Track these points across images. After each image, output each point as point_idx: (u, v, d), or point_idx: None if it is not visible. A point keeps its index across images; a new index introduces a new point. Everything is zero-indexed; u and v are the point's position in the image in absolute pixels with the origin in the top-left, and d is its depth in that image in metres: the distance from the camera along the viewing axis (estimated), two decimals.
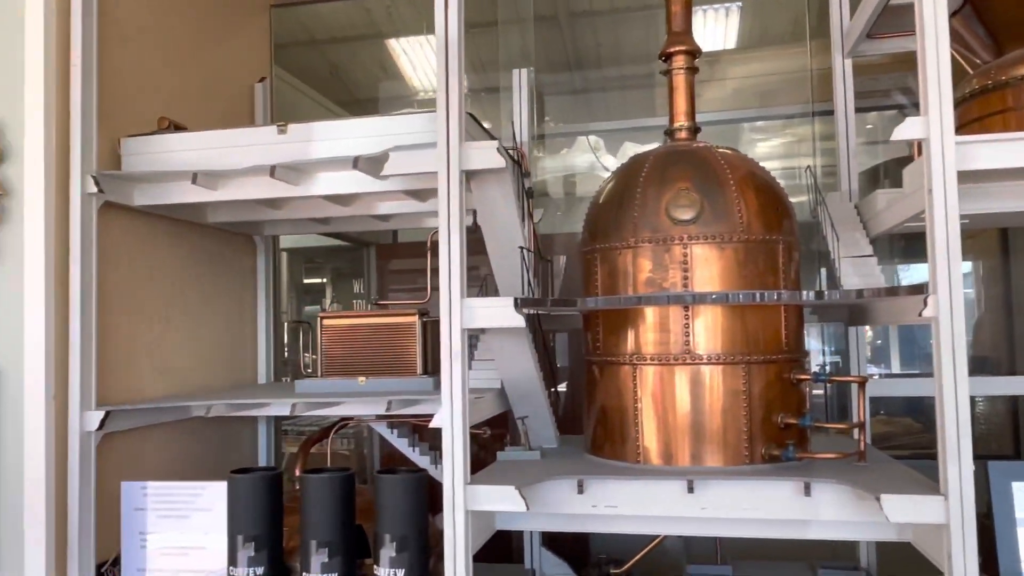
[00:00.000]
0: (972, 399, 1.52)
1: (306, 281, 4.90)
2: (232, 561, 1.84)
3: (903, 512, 1.55)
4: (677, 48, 2.01)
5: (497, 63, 3.82)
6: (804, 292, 1.75)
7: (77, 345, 1.87)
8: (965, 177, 1.55)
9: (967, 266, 3.61)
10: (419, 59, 4.57)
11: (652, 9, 3.92)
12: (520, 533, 2.54)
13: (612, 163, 4.16)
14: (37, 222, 1.86)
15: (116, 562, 1.97)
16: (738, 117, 3.53)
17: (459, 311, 1.73)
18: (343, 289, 4.96)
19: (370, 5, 4.09)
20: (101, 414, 1.88)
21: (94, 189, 1.90)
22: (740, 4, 3.80)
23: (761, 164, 1.99)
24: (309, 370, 2.27)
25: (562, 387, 2.92)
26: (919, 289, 1.59)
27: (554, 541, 2.54)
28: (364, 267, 3.99)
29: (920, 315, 1.54)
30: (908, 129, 1.59)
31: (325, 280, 5.08)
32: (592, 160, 4.30)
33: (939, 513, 1.52)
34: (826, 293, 1.73)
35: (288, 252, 4.13)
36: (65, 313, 1.88)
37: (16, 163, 1.90)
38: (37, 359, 1.84)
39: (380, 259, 3.79)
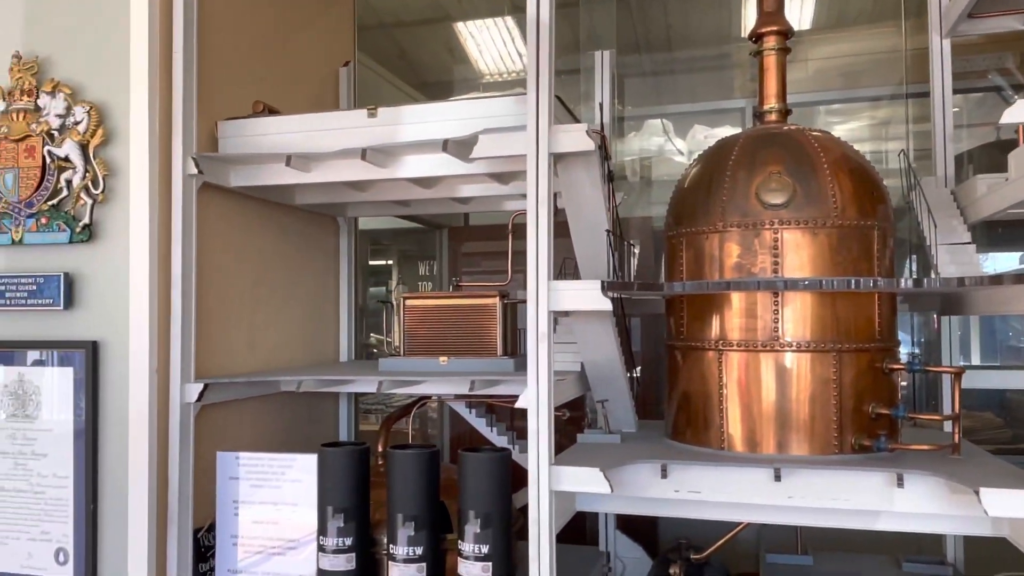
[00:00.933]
0: None
1: (371, 263, 4.98)
2: (322, 531, 1.91)
3: (1003, 506, 1.50)
4: (769, 28, 1.97)
5: (570, 44, 3.80)
6: (903, 279, 1.70)
7: (178, 320, 1.96)
8: None
9: None
10: (486, 42, 4.58)
11: None
12: (595, 516, 2.56)
13: (682, 146, 4.11)
14: (141, 201, 1.94)
15: (211, 528, 2.06)
16: (823, 99, 3.44)
17: (546, 293, 1.74)
18: (408, 271, 5.03)
19: None
20: (200, 386, 1.96)
21: (194, 170, 1.97)
22: None
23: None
24: (394, 348, 2.31)
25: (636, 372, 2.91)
26: None
27: (627, 526, 2.55)
28: (436, 249, 4.04)
29: None
30: (1019, 111, 1.53)
31: (391, 262, 5.15)
32: (661, 143, 4.26)
33: None
34: (926, 281, 1.68)
35: None
36: (167, 289, 1.96)
37: (121, 145, 1.98)
38: (141, 333, 1.93)
39: (452, 241, 3.83)
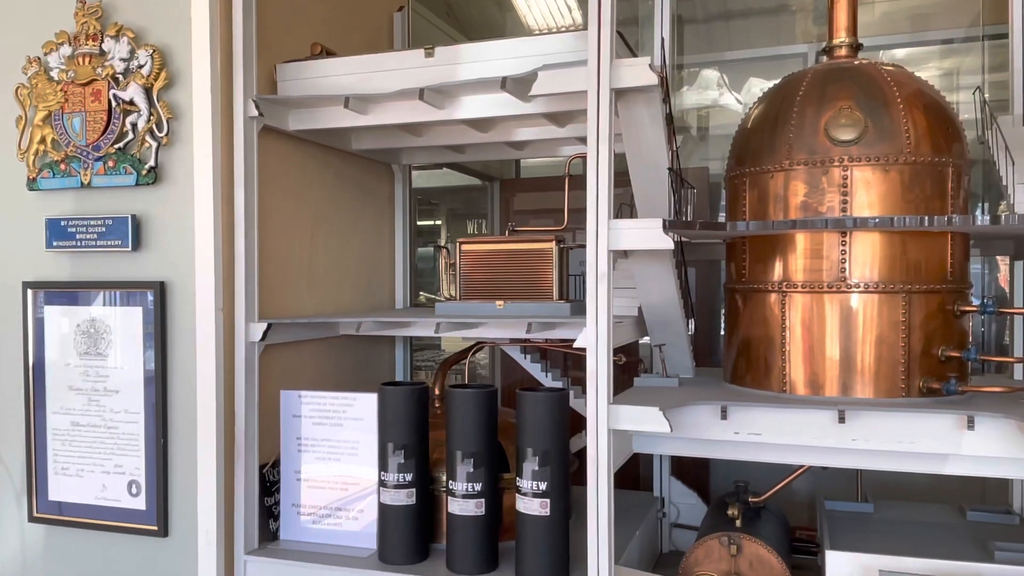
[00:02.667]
0: None
1: (419, 223, 4.99)
2: (383, 467, 1.95)
3: None
4: None
5: None
6: (979, 215, 1.64)
7: (242, 261, 1.99)
8: None
9: None
10: None
11: None
12: (649, 464, 2.56)
13: (738, 98, 4.00)
14: (204, 144, 1.96)
15: (275, 464, 2.12)
16: (891, 43, 3.30)
17: (606, 232, 1.72)
18: (457, 231, 5.04)
19: None
20: (264, 326, 2.00)
21: (255, 112, 1.99)
22: None
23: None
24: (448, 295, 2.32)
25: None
26: None
27: (679, 473, 2.54)
28: (487, 205, 4.02)
29: None
30: None
31: (439, 222, 5.16)
32: (715, 97, 4.15)
33: None
34: (1004, 217, 1.62)
35: None
36: (230, 231, 2.00)
37: (184, 88, 2.00)
38: (207, 273, 1.97)
39: (504, 194, 3.81)
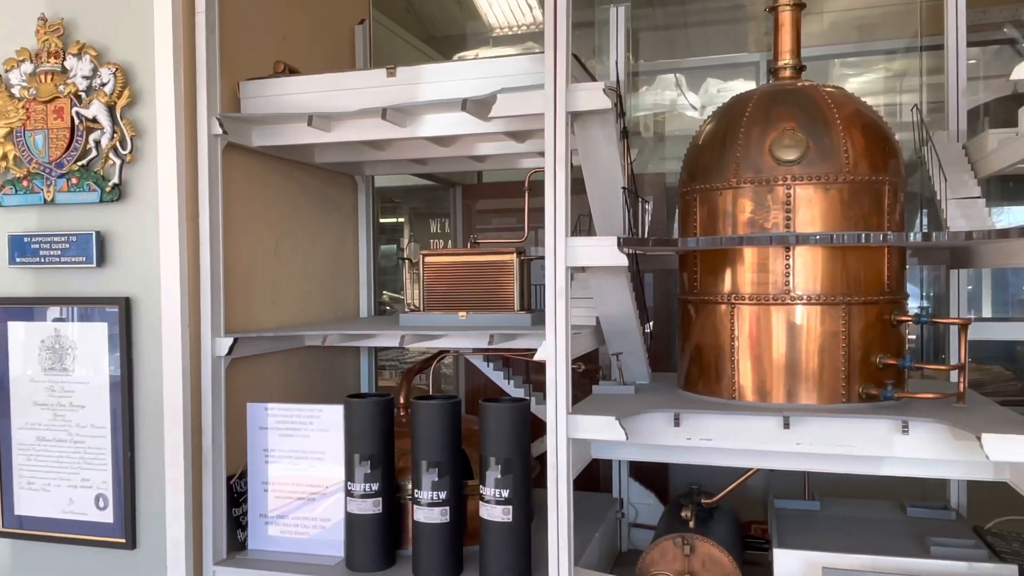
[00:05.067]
0: None
1: (382, 221, 4.99)
2: (350, 477, 2.00)
3: (1003, 451, 1.57)
4: None
5: None
6: (912, 233, 1.74)
7: (207, 276, 2.02)
8: None
9: None
10: None
11: None
12: (609, 465, 2.65)
13: (695, 101, 4.10)
14: (168, 162, 1.99)
15: (243, 475, 2.16)
16: (838, 52, 3.42)
17: (563, 250, 1.79)
18: (420, 229, 5.06)
19: None
20: (230, 341, 2.03)
21: (219, 130, 2.02)
22: None
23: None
24: (410, 305, 2.38)
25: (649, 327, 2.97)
26: None
27: (639, 474, 2.64)
28: (449, 206, 4.07)
29: None
30: None
31: (402, 220, 5.18)
32: (674, 98, 4.25)
33: None
34: (935, 235, 1.72)
35: None
36: (195, 247, 2.02)
37: (147, 106, 2.02)
38: (172, 289, 2.00)
39: (466, 199, 3.87)
